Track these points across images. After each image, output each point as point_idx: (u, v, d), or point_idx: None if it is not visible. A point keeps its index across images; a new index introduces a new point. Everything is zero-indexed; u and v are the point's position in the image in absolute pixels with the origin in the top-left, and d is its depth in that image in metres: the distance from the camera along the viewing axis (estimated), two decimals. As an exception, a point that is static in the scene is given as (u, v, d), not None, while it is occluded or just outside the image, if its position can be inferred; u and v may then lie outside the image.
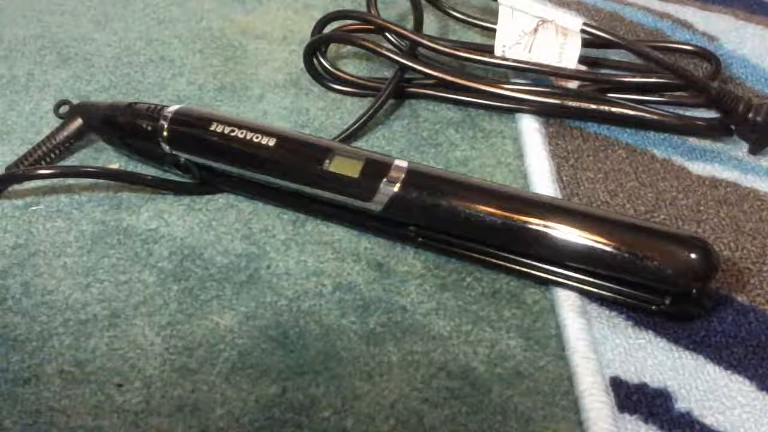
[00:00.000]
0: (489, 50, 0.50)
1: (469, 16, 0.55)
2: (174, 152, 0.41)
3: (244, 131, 0.39)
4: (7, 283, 0.37)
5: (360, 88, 0.50)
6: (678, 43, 0.54)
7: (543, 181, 0.43)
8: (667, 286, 0.34)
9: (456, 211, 0.36)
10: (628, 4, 0.59)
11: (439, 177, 0.38)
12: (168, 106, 0.42)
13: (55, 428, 0.31)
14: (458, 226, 0.37)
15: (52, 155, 0.44)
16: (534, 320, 0.36)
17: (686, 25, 0.56)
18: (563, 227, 0.35)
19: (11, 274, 0.38)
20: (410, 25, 0.53)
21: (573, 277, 0.36)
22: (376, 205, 0.37)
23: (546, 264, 0.36)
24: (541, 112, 0.48)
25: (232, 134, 0.39)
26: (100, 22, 0.58)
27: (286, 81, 0.52)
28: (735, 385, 0.33)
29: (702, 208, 0.42)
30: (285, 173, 0.39)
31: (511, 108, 0.48)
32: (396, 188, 0.37)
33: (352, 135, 0.46)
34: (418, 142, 0.47)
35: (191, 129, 0.41)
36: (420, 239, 0.39)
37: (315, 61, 0.51)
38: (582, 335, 0.34)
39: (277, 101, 0.50)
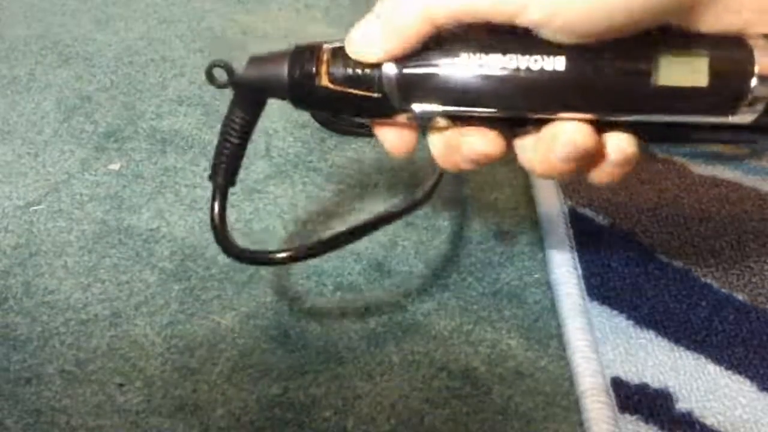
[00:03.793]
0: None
1: None
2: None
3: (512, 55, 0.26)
4: (9, 282, 0.37)
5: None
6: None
7: (545, 180, 0.43)
8: None
9: None
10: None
11: None
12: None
13: (56, 428, 0.31)
14: None
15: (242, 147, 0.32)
16: (535, 320, 0.36)
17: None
18: None
19: (12, 273, 0.38)
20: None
21: None
22: (746, 115, 0.26)
23: None
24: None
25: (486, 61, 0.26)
26: (101, 22, 0.58)
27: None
28: (736, 385, 0.33)
29: (704, 206, 0.42)
30: (591, 105, 0.26)
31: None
32: None
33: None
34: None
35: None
36: None
37: None
38: (583, 335, 0.34)
39: (278, 101, 0.50)
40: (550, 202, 0.42)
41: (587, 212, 0.41)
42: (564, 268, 0.38)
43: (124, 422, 0.31)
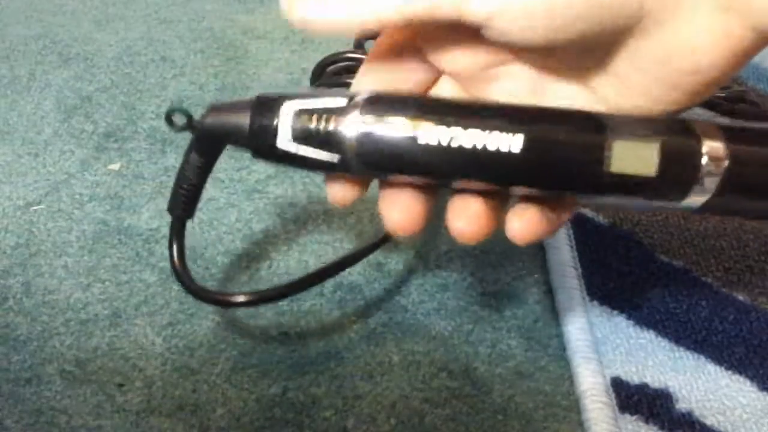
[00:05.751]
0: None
1: None
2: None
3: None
4: (9, 282, 0.37)
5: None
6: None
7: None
8: None
9: None
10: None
11: None
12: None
13: (56, 428, 0.31)
14: None
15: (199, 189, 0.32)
16: (535, 320, 0.36)
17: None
18: None
19: (12, 273, 0.38)
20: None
21: None
22: (694, 200, 0.26)
23: None
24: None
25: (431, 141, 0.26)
26: (101, 22, 0.58)
27: (287, 81, 0.52)
28: (736, 385, 0.33)
29: (703, 207, 0.42)
30: (543, 185, 0.27)
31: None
32: (718, 179, 0.25)
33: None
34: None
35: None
36: None
37: None
38: (583, 335, 0.34)
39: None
40: (550, 202, 0.42)
41: (587, 212, 0.41)
42: (564, 268, 0.38)
43: (124, 422, 0.31)
